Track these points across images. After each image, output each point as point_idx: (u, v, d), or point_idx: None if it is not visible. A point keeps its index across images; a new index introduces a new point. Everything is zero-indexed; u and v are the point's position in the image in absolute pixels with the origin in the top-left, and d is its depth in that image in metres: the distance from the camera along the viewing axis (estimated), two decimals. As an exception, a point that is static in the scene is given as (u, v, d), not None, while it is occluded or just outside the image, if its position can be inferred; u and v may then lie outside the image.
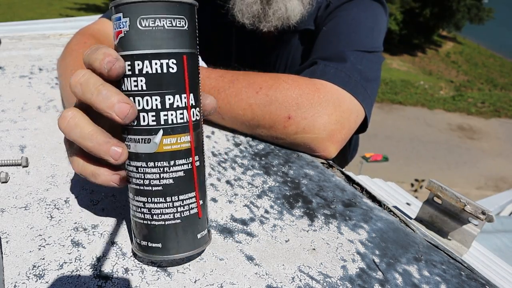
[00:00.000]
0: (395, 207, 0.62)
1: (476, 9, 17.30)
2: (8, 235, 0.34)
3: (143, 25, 0.28)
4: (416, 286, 0.35)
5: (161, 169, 0.30)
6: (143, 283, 0.31)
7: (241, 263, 0.35)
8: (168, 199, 0.30)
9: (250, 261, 0.35)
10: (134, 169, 0.31)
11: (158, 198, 0.30)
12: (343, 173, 0.53)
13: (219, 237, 0.37)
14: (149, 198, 0.30)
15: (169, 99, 0.29)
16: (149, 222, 0.31)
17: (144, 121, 0.29)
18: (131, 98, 0.29)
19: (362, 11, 0.69)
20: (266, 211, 0.42)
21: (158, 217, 0.31)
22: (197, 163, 0.32)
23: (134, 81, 0.29)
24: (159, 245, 0.31)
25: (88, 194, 0.41)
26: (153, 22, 0.28)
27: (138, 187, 0.31)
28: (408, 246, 0.40)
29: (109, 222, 0.37)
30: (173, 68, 0.29)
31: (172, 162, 0.30)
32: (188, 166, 0.31)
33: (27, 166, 0.44)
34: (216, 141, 0.56)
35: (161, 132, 0.30)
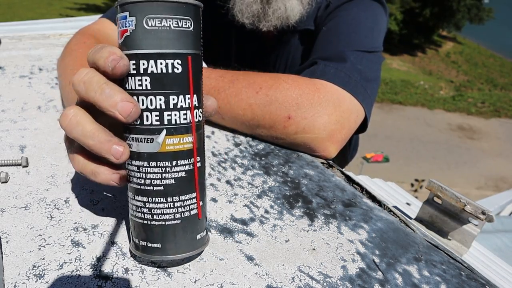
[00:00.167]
0: (395, 207, 0.62)
1: (476, 9, 17.29)
2: (8, 235, 0.34)
3: (150, 24, 0.28)
4: (416, 286, 0.35)
5: (163, 169, 0.30)
6: (143, 283, 0.31)
7: (241, 263, 0.35)
8: (169, 199, 0.30)
9: (250, 261, 0.35)
10: (136, 169, 0.31)
11: (159, 198, 0.30)
12: (343, 173, 0.53)
13: (219, 237, 0.37)
14: (149, 198, 0.30)
15: (173, 99, 0.29)
16: (149, 222, 0.31)
17: (147, 120, 0.29)
18: (135, 97, 0.29)
19: (362, 11, 0.69)
20: (266, 211, 0.42)
21: (158, 217, 0.31)
22: (199, 164, 0.32)
23: (139, 80, 0.29)
24: (158, 245, 0.31)
25: (88, 194, 0.41)
26: (159, 22, 0.28)
27: (138, 186, 0.31)
28: (408, 246, 0.40)
29: (109, 222, 0.37)
30: (178, 69, 0.29)
31: (174, 162, 0.30)
32: (189, 167, 0.31)
33: (27, 166, 0.44)
34: (216, 141, 0.56)
35: (164, 132, 0.30)
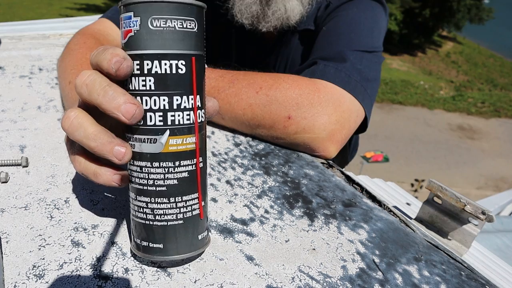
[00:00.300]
0: (395, 207, 0.62)
1: (476, 9, 17.29)
2: (8, 235, 0.34)
3: (155, 25, 0.28)
4: (416, 286, 0.35)
5: (166, 169, 0.30)
6: (143, 283, 0.31)
7: (241, 263, 0.35)
8: (172, 199, 0.30)
9: (250, 261, 0.35)
10: (138, 169, 0.31)
11: (162, 199, 0.30)
12: (343, 173, 0.53)
13: (219, 237, 0.37)
14: (152, 199, 0.30)
15: (177, 100, 0.29)
16: (151, 223, 0.31)
17: (151, 121, 0.30)
18: (139, 97, 0.29)
19: (362, 11, 0.69)
20: (266, 211, 0.42)
21: (160, 217, 0.31)
22: (201, 164, 0.32)
23: (143, 80, 0.29)
24: (160, 245, 0.31)
25: (88, 194, 0.41)
26: (164, 22, 0.28)
27: (141, 187, 0.31)
28: (408, 246, 0.40)
29: (109, 222, 0.37)
30: (182, 69, 0.29)
31: (177, 163, 0.30)
32: (192, 167, 0.31)
33: (27, 166, 0.44)
34: (216, 141, 0.56)
35: (167, 132, 0.30)
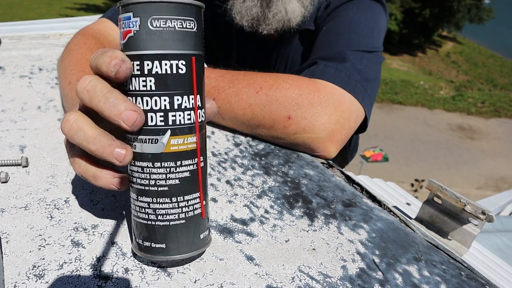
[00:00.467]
0: (395, 207, 0.62)
1: (476, 9, 17.29)
2: (8, 235, 0.34)
3: (154, 25, 0.28)
4: (416, 286, 0.35)
5: (168, 169, 0.30)
6: (143, 283, 0.31)
7: (241, 263, 0.35)
8: (174, 199, 0.31)
9: (250, 261, 0.35)
10: (139, 169, 0.31)
11: (164, 199, 0.30)
12: (343, 173, 0.53)
13: (219, 237, 0.37)
14: (154, 199, 0.30)
15: (178, 99, 0.30)
16: (153, 223, 0.31)
17: (152, 121, 0.30)
18: (139, 98, 0.29)
19: (362, 11, 0.69)
20: (266, 211, 0.42)
21: (163, 217, 0.31)
22: (202, 164, 0.32)
23: (143, 81, 0.29)
24: (163, 245, 0.31)
25: (88, 194, 0.41)
26: (164, 23, 0.28)
27: (142, 187, 0.31)
28: (408, 246, 0.40)
29: (109, 222, 0.37)
30: (182, 69, 0.29)
31: (178, 163, 0.30)
32: (193, 167, 0.31)
33: (27, 166, 0.44)
34: (216, 141, 0.56)
35: (168, 132, 0.30)
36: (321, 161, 0.55)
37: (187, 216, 0.31)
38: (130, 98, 0.30)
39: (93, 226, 0.37)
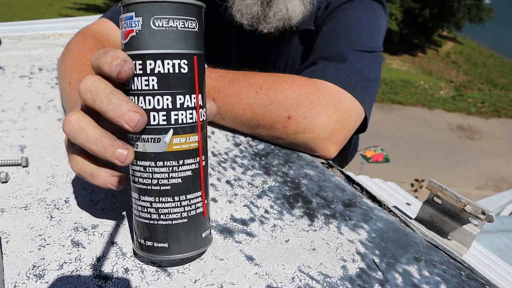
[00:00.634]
0: (395, 207, 0.62)
1: (476, 9, 17.28)
2: (8, 235, 0.34)
3: (157, 25, 0.29)
4: (416, 286, 0.35)
5: (170, 168, 0.30)
6: (143, 283, 0.31)
7: (241, 263, 0.35)
8: (176, 198, 0.31)
9: (250, 261, 0.35)
10: (142, 169, 0.31)
11: (166, 198, 0.31)
12: (343, 173, 0.53)
13: (219, 237, 0.37)
14: (156, 198, 0.31)
15: (180, 99, 0.30)
16: (155, 222, 0.31)
17: (154, 120, 0.30)
18: (141, 97, 0.30)
19: (362, 11, 0.69)
20: (266, 211, 0.42)
21: (165, 216, 0.31)
22: (203, 163, 0.32)
23: (145, 80, 0.29)
24: (165, 245, 0.31)
25: (88, 194, 0.41)
26: (166, 22, 0.29)
27: (145, 187, 0.31)
28: (408, 246, 0.40)
29: (109, 222, 0.37)
30: (184, 69, 0.30)
31: (181, 162, 0.30)
32: (195, 166, 0.31)
33: (27, 166, 0.44)
34: (216, 141, 0.56)
35: (171, 131, 0.30)
36: (321, 161, 0.55)
37: (189, 215, 0.31)
38: (132, 97, 0.30)
39: (93, 226, 0.37)
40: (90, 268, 0.32)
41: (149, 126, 0.30)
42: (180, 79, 0.30)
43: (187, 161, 0.31)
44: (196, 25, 0.30)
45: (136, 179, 0.31)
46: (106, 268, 0.32)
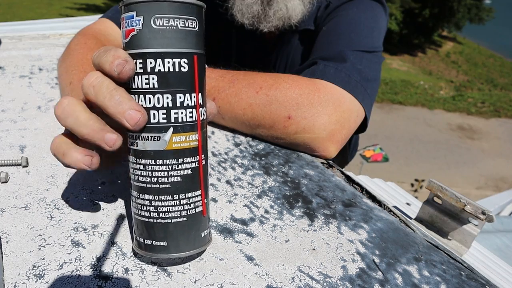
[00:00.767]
0: (395, 207, 0.62)
1: (476, 9, 17.28)
2: (8, 235, 0.34)
3: (157, 24, 0.29)
4: (416, 286, 0.35)
5: (170, 166, 0.30)
6: (143, 283, 0.31)
7: (241, 263, 0.35)
8: (175, 196, 0.31)
9: (250, 261, 0.35)
10: (141, 167, 0.31)
11: (165, 196, 0.31)
12: (343, 173, 0.53)
13: (219, 237, 0.37)
14: (156, 196, 0.31)
15: (180, 97, 0.30)
16: (155, 221, 0.31)
17: (154, 118, 0.30)
18: (142, 95, 0.30)
19: (362, 11, 0.69)
20: (266, 211, 0.42)
21: (164, 215, 0.31)
22: (203, 162, 0.32)
23: (146, 79, 0.29)
24: (164, 243, 0.31)
25: (88, 194, 0.41)
26: (167, 21, 0.29)
27: (144, 185, 0.31)
28: (408, 246, 0.40)
29: (109, 222, 0.37)
30: (184, 68, 0.30)
31: (180, 160, 0.30)
32: (195, 164, 0.31)
33: (27, 166, 0.44)
34: (216, 141, 0.56)
35: (171, 130, 0.30)
36: (321, 161, 0.55)
37: (188, 213, 0.31)
38: (132, 96, 0.30)
39: (93, 226, 0.37)
40: (90, 268, 0.32)
41: (149, 124, 0.30)
42: (180, 77, 0.30)
43: (186, 160, 0.31)
44: (196, 25, 0.30)
45: (136, 177, 0.31)
46: (106, 268, 0.32)
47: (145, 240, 0.32)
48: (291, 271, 0.35)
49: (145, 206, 0.31)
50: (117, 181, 0.44)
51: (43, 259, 0.32)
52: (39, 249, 0.33)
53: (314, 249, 0.38)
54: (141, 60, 0.29)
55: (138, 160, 0.31)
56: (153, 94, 0.30)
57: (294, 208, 0.44)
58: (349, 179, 0.52)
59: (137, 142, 0.31)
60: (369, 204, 0.47)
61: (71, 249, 0.34)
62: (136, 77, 0.30)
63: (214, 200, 0.43)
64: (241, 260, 0.35)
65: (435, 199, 0.51)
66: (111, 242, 0.35)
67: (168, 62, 0.29)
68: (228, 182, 0.47)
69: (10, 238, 0.34)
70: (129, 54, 0.30)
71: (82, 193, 0.41)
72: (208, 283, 0.32)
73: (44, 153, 0.47)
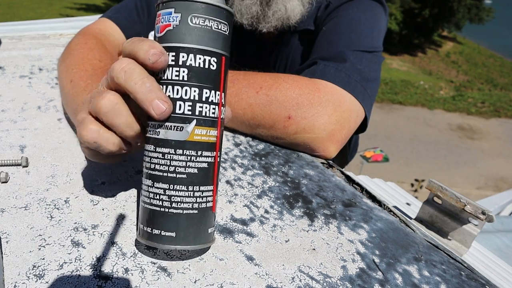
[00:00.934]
0: (395, 207, 0.62)
1: (476, 9, 17.28)
2: (8, 235, 0.34)
3: (194, 22, 0.31)
4: (416, 286, 0.35)
5: (189, 157, 0.31)
6: (143, 283, 0.31)
7: (241, 263, 0.35)
8: (190, 188, 0.32)
9: (250, 261, 0.35)
10: (160, 155, 0.32)
11: (180, 186, 0.31)
12: (343, 173, 0.53)
13: (219, 237, 0.37)
14: (171, 186, 0.31)
15: (206, 93, 0.32)
16: (166, 210, 0.31)
17: (180, 109, 0.31)
18: (170, 86, 0.31)
19: (362, 11, 0.69)
20: (266, 211, 0.42)
21: (177, 205, 0.31)
22: (218, 159, 0.33)
23: (176, 71, 0.31)
24: (173, 234, 0.32)
25: (88, 194, 0.41)
26: (203, 21, 0.31)
27: (160, 173, 0.32)
28: (408, 246, 0.40)
29: (109, 222, 0.37)
30: (213, 66, 0.32)
31: (199, 152, 0.32)
32: (212, 159, 0.32)
33: (27, 166, 0.44)
34: (216, 141, 0.56)
35: (194, 121, 0.31)
36: (321, 161, 0.55)
37: (200, 207, 0.32)
38: (161, 86, 0.32)
39: (93, 226, 0.37)
40: (90, 268, 0.32)
41: (174, 115, 0.31)
42: (209, 74, 0.32)
43: (205, 153, 0.32)
44: (227, 29, 0.33)
45: (153, 166, 0.32)
46: (106, 268, 0.32)
47: (153, 230, 0.32)
48: (291, 271, 0.35)
49: (158, 195, 0.32)
50: (117, 181, 0.44)
51: (43, 259, 0.32)
52: (39, 249, 0.33)
53: (314, 249, 0.38)
54: (174, 53, 0.31)
55: (157, 149, 0.32)
56: (182, 86, 0.31)
57: (294, 208, 0.44)
58: (349, 179, 0.52)
59: (158, 131, 0.32)
60: (369, 204, 0.47)
61: (71, 249, 0.34)
62: (167, 68, 0.31)
63: (214, 200, 0.43)
64: (241, 260, 0.35)
65: (435, 199, 0.51)
66: (111, 242, 0.35)
67: (199, 58, 0.31)
68: (228, 182, 0.47)
69: (10, 238, 0.34)
70: (163, 47, 0.31)
71: (82, 193, 0.41)
72: (208, 283, 0.32)
73: (44, 153, 0.47)
